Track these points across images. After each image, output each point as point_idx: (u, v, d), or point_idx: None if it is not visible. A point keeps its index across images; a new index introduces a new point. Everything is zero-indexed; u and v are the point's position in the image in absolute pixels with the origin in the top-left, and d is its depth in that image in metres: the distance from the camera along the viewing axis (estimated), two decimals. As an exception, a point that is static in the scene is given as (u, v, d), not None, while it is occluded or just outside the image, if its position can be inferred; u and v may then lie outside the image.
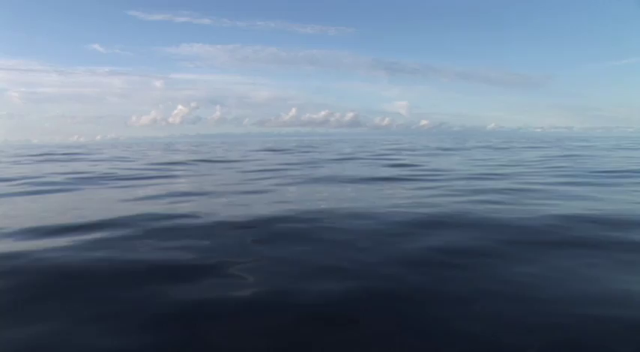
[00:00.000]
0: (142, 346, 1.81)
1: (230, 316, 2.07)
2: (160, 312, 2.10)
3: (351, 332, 1.93)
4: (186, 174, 10.34)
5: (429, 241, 3.26)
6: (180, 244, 3.26)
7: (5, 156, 22.08)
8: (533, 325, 1.93)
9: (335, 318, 2.04)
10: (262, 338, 1.89)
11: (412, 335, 1.89)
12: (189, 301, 2.21)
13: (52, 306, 2.18)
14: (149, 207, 4.93)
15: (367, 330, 1.94)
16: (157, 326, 1.97)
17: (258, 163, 13.77)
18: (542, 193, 5.74)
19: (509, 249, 3.05)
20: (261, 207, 4.90)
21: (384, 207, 4.69)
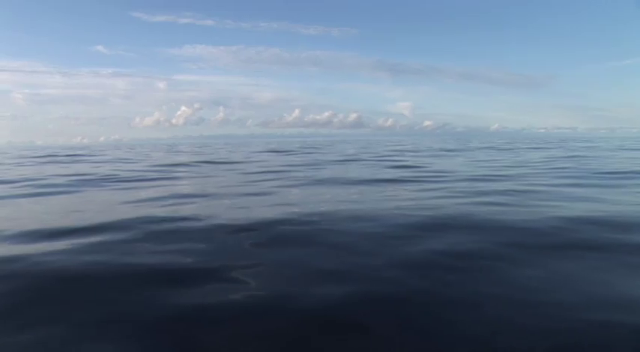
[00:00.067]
0: (142, 351, 1.80)
1: (231, 320, 2.06)
2: (160, 316, 2.08)
3: (354, 336, 1.91)
4: (189, 175, 10.34)
5: (432, 244, 3.23)
6: (181, 247, 3.24)
7: (9, 158, 22.18)
8: (538, 329, 1.91)
9: (337, 322, 2.02)
10: (263, 342, 1.87)
11: (415, 339, 1.87)
12: (189, 305, 2.19)
13: (51, 311, 2.17)
14: (150, 210, 4.93)
15: (370, 334, 1.92)
16: (157, 330, 1.96)
17: (261, 165, 13.76)
18: (547, 195, 5.70)
19: (513, 251, 3.02)
20: (263, 210, 4.88)
21: (386, 210, 4.66)
